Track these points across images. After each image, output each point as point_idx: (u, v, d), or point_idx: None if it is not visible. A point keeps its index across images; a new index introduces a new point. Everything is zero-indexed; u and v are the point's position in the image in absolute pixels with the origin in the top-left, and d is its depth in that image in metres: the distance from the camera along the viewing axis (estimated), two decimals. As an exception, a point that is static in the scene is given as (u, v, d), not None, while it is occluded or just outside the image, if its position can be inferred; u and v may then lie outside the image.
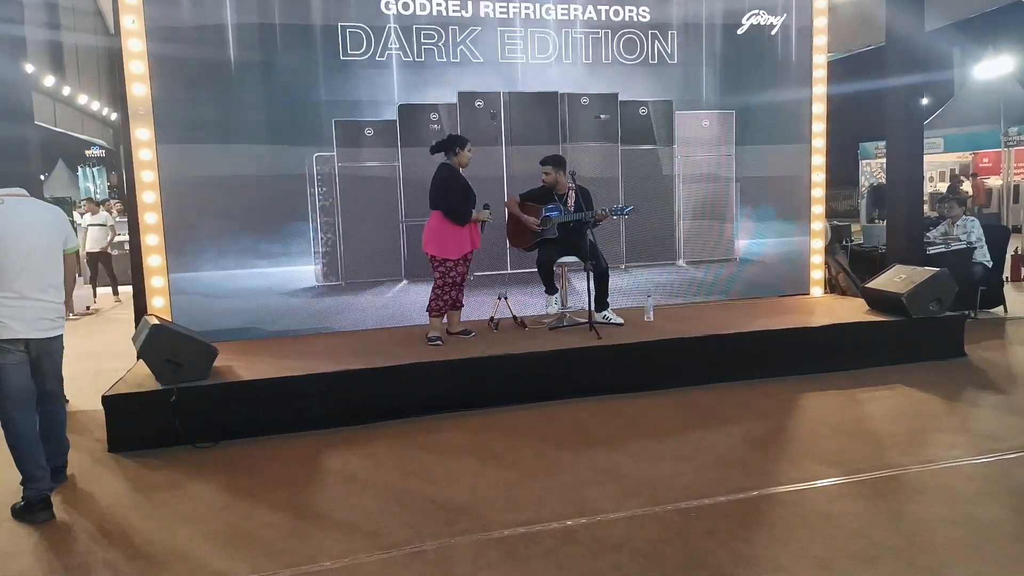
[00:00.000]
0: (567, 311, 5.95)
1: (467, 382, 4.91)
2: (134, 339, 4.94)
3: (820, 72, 7.16)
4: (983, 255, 7.39)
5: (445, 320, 5.61)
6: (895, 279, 6.00)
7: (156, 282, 5.71)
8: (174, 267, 5.76)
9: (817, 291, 7.33)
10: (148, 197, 5.64)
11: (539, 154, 5.99)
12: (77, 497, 3.70)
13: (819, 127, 7.21)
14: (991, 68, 18.09)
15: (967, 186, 17.97)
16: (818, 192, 7.27)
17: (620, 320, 5.80)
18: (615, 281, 6.42)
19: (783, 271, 7.24)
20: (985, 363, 5.70)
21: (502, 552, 2.98)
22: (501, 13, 6.34)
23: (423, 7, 6.18)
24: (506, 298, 6.01)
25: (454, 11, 6.25)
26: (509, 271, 6.55)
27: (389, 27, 6.12)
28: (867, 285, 6.29)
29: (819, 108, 7.18)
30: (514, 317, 5.97)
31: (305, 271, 6.11)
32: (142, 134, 5.60)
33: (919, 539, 2.97)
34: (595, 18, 6.57)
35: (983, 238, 7.45)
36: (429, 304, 5.46)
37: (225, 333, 5.70)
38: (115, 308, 10.16)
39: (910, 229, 7.13)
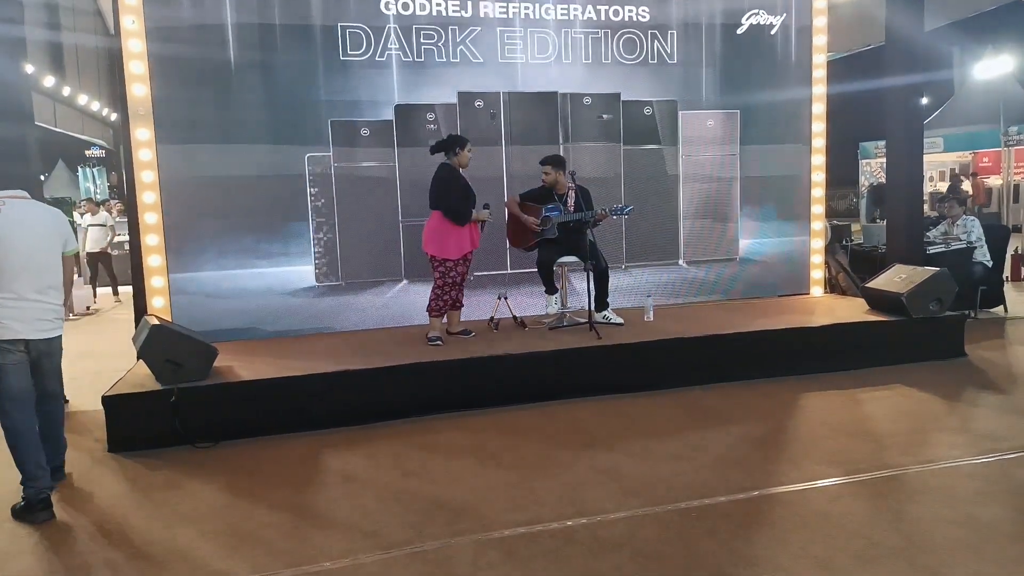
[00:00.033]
0: (567, 311, 5.95)
1: (467, 382, 4.91)
2: (134, 339, 4.94)
3: (820, 72, 7.16)
4: (983, 255, 7.39)
5: (445, 320, 5.61)
6: (895, 279, 6.00)
7: (156, 282, 5.71)
8: (174, 267, 5.76)
9: (817, 291, 7.33)
10: (148, 197, 5.65)
11: (539, 154, 5.99)
12: (77, 497, 3.70)
13: (819, 127, 7.21)
14: (991, 67, 18.10)
15: (967, 185, 17.97)
16: (818, 192, 7.27)
17: (620, 320, 5.80)
18: (616, 281, 6.42)
19: (783, 271, 7.24)
20: (985, 363, 5.70)
21: (502, 552, 2.98)
22: (501, 13, 6.34)
23: (423, 7, 6.18)
24: (506, 298, 6.01)
25: (454, 11, 6.25)
26: (509, 271, 6.55)
27: (389, 27, 6.12)
28: (867, 285, 6.29)
29: (819, 108, 7.18)
30: (514, 317, 5.97)
31: (305, 271, 6.11)
32: (142, 134, 5.60)
33: (919, 539, 2.98)
34: (595, 18, 6.57)
35: (983, 238, 7.44)
36: (429, 304, 5.46)
37: (225, 333, 5.70)
38: (115, 308, 10.16)
39: (910, 229, 7.13)
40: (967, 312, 6.78)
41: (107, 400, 4.31)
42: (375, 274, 6.26)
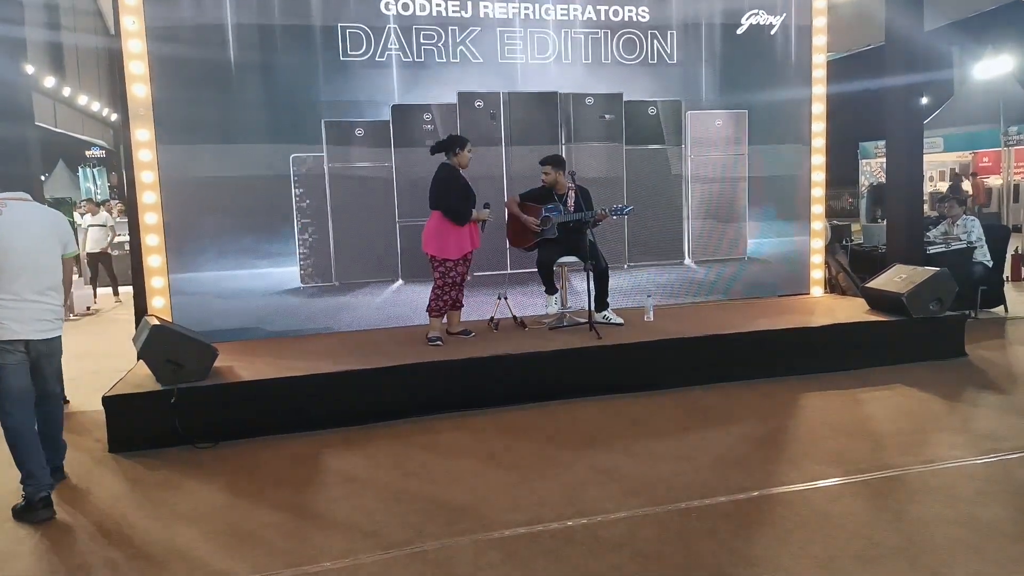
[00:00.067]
0: (567, 311, 5.95)
1: (467, 382, 4.91)
2: (134, 339, 4.94)
3: (820, 72, 7.16)
4: (983, 255, 7.39)
5: (445, 320, 5.61)
6: (895, 279, 6.00)
7: (156, 282, 5.71)
8: (174, 267, 5.76)
9: (817, 291, 7.33)
10: (148, 198, 5.65)
11: (538, 154, 5.99)
12: (77, 497, 3.70)
13: (819, 127, 7.21)
14: (991, 67, 18.11)
15: (967, 185, 17.97)
16: (818, 192, 7.27)
17: (620, 320, 5.80)
18: (618, 281, 6.42)
19: (783, 271, 7.24)
20: (985, 363, 5.70)
21: (502, 552, 2.98)
22: (501, 13, 6.35)
23: (423, 8, 6.18)
24: (506, 298, 6.01)
25: (454, 11, 6.25)
26: (509, 271, 6.55)
27: (389, 27, 6.12)
28: (867, 285, 6.29)
29: (819, 108, 7.18)
30: (514, 317, 5.97)
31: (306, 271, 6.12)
32: (142, 135, 5.60)
33: (919, 539, 2.97)
34: (594, 18, 6.57)
35: (983, 237, 7.44)
36: (429, 304, 5.46)
37: (225, 333, 5.70)
38: (115, 308, 10.16)
39: (910, 229, 7.13)
40: (967, 312, 6.78)
41: (107, 400, 4.31)
42: (373, 274, 6.25)
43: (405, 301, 6.26)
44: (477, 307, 6.21)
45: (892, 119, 7.25)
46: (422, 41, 6.20)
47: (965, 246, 7.35)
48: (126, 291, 8.51)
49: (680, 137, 6.89)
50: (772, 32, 7.03)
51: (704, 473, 3.70)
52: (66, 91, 21.01)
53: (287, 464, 4.06)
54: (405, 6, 6.14)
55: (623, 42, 6.66)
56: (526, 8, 6.39)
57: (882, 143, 13.30)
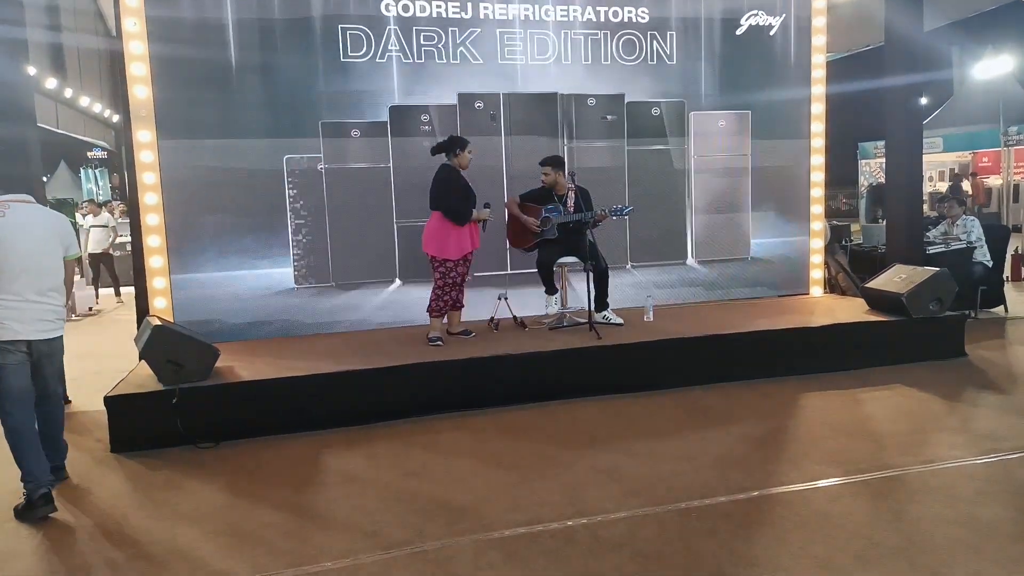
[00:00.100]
0: (567, 311, 5.95)
1: (467, 382, 4.92)
2: (136, 340, 4.95)
3: (819, 72, 7.16)
4: (983, 255, 7.39)
5: (445, 320, 5.62)
6: (895, 279, 6.01)
7: (158, 283, 5.72)
8: (176, 268, 5.77)
9: (817, 291, 7.33)
10: (150, 199, 5.66)
11: (538, 155, 6.00)
12: (79, 497, 3.71)
13: (818, 127, 7.21)
14: (990, 67, 18.10)
15: (966, 185, 17.97)
16: (817, 192, 7.28)
17: (620, 320, 5.80)
18: (619, 280, 6.41)
19: (783, 271, 7.25)
20: (985, 363, 5.71)
21: (503, 552, 2.99)
22: (500, 14, 6.35)
23: (423, 8, 6.19)
24: (506, 298, 6.01)
25: (454, 12, 6.26)
26: (509, 271, 6.56)
27: (389, 28, 6.13)
28: (867, 285, 6.29)
29: (818, 108, 7.19)
30: (514, 317, 5.97)
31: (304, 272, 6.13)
32: (144, 136, 5.61)
33: (919, 539, 2.98)
34: (594, 19, 6.58)
35: (983, 237, 7.44)
36: (429, 304, 5.47)
37: (226, 334, 5.71)
38: (117, 309, 10.17)
39: (910, 229, 7.13)
40: (967, 312, 6.78)
41: (109, 400, 4.32)
42: (372, 275, 6.26)
43: (408, 301, 6.26)
44: (477, 307, 6.20)
45: (892, 119, 7.25)
46: (422, 42, 6.21)
47: (965, 246, 7.35)
48: (128, 292, 8.52)
49: (683, 140, 6.90)
50: (771, 32, 7.04)
51: (704, 473, 3.71)
52: (68, 92, 21.02)
53: (288, 464, 4.07)
54: (405, 7, 6.15)
55: (623, 43, 6.67)
56: (526, 9, 6.40)
57: (882, 143, 13.30)
